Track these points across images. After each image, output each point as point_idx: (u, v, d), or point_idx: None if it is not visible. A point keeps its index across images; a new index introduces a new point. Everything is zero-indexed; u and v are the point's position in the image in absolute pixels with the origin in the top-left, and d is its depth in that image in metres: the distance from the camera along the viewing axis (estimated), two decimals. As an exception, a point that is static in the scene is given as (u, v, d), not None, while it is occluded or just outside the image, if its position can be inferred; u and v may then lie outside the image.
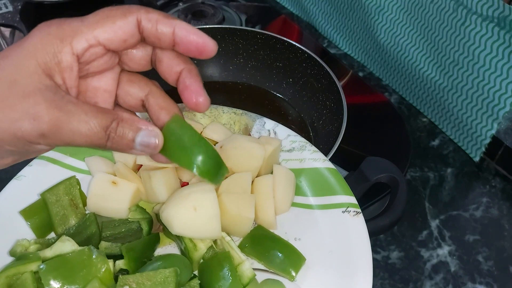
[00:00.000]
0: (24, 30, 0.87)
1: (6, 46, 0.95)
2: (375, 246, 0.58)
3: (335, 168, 0.48)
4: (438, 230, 0.60)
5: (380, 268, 0.56)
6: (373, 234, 0.48)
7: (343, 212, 0.45)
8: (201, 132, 0.51)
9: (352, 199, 0.45)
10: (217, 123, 0.52)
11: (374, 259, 0.56)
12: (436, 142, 0.72)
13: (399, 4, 0.72)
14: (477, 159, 0.68)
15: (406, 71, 0.75)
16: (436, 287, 0.55)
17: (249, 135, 0.53)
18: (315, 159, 0.49)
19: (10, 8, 0.93)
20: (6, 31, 0.94)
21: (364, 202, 0.57)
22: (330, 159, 0.50)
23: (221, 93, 0.75)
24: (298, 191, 0.48)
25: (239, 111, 0.55)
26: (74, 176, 0.47)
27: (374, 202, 0.58)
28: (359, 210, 0.44)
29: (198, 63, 0.75)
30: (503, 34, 0.58)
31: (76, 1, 0.89)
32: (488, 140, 0.65)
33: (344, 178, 0.47)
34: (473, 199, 0.64)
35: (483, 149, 0.66)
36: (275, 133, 0.53)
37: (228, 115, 0.55)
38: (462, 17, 0.63)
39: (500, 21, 0.58)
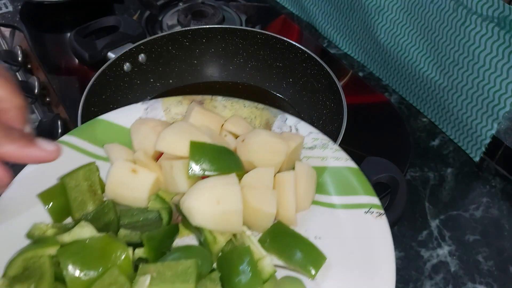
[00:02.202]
0: (24, 30, 0.87)
1: (6, 46, 0.95)
2: (375, 246, 0.58)
3: (357, 167, 0.47)
4: (438, 230, 0.60)
5: (380, 268, 0.56)
6: (373, 234, 0.47)
7: (366, 212, 0.44)
8: (222, 125, 0.50)
9: (375, 200, 0.44)
10: (238, 117, 0.52)
11: (374, 259, 0.56)
12: (436, 142, 0.72)
13: (399, 4, 0.72)
14: (477, 159, 0.68)
15: (406, 71, 0.75)
16: (436, 287, 0.55)
17: (270, 130, 0.53)
18: (337, 158, 0.48)
19: (10, 8, 0.93)
20: (6, 31, 0.94)
21: (364, 202, 0.57)
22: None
23: (221, 93, 0.74)
24: (319, 189, 0.47)
25: (261, 105, 0.54)
26: (93, 162, 0.46)
27: (374, 202, 0.58)
28: (383, 211, 0.44)
29: (199, 63, 0.75)
30: (503, 34, 0.58)
31: (75, 1, 0.89)
32: (488, 140, 0.65)
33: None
34: (473, 199, 0.64)
35: (483, 149, 0.66)
36: (296, 129, 0.52)
37: (249, 109, 0.54)
38: (462, 17, 0.63)
39: (500, 21, 0.58)
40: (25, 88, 0.79)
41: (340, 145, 0.56)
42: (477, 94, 0.64)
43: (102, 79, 0.65)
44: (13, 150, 0.33)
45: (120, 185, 0.45)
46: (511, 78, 0.60)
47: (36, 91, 0.81)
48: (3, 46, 0.97)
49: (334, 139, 0.58)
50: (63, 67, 0.81)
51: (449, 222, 0.61)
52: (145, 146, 0.48)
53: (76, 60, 0.79)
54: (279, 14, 0.92)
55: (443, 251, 0.58)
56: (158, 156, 0.48)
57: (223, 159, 0.44)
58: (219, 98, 0.54)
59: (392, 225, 0.51)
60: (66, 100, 0.73)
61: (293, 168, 0.46)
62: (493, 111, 0.63)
